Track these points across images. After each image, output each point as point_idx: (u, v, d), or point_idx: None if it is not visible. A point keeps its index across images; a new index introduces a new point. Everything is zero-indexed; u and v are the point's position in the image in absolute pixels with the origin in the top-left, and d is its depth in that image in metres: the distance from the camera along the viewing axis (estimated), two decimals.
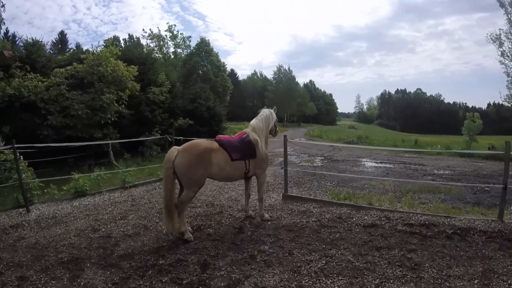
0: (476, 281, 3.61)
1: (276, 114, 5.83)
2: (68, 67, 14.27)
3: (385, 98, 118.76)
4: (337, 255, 4.27)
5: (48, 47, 26.58)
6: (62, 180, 8.46)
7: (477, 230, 5.09)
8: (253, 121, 5.48)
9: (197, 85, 25.83)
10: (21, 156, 7.62)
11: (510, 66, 24.07)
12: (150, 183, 9.15)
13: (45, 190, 7.97)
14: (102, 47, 16.69)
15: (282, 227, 5.28)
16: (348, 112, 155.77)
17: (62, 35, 44.28)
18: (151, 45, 35.95)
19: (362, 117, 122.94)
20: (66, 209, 6.83)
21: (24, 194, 6.92)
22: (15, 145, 6.82)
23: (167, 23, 60.40)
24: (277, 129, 5.90)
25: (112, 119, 14.38)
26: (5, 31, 29.43)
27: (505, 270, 3.85)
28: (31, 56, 15.15)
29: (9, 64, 13.95)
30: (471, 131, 34.51)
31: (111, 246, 4.76)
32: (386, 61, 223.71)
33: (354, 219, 5.59)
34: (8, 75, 13.55)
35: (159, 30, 37.83)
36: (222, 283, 3.62)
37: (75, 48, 38.97)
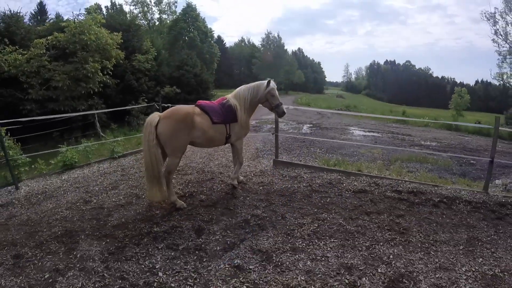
0: (461, 247, 3.78)
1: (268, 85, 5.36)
2: (49, 37, 13.50)
3: (373, 68, 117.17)
4: (328, 218, 4.40)
5: (26, 18, 25.24)
6: (50, 154, 8.21)
7: (462, 199, 5.24)
8: (238, 88, 5.38)
9: (183, 51, 25.13)
10: (9, 133, 7.33)
11: (502, 45, 24.43)
12: (139, 152, 8.97)
13: (33, 166, 7.66)
14: (84, 15, 15.95)
15: (274, 192, 5.35)
16: (336, 81, 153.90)
17: (41, 6, 41.65)
18: (135, 11, 34.48)
19: (350, 86, 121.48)
20: (55, 183, 6.70)
21: (12, 172, 6.64)
22: None
23: None
24: (280, 107, 5.37)
25: (96, 89, 13.97)
26: None
27: (489, 239, 4.02)
28: (10, 29, 14.45)
29: None
30: (458, 106, 35.20)
31: (104, 216, 4.73)
32: (377, 31, 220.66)
33: (344, 184, 5.71)
34: None
35: None
36: (218, 247, 3.72)
37: (55, 19, 37.17)
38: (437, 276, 3.26)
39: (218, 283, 3.11)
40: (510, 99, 29.55)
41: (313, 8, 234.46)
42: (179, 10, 36.99)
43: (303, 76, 78.86)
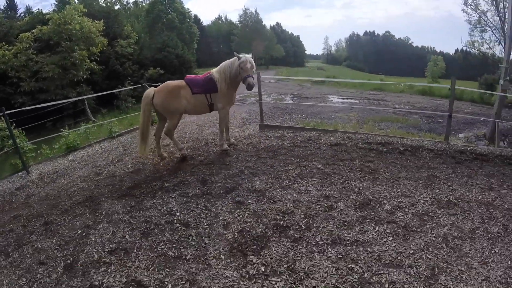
0: (420, 182, 4.64)
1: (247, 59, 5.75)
2: (33, 30, 13.92)
3: (353, 40, 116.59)
4: (309, 165, 5.25)
5: None
6: (50, 140, 8.77)
7: (425, 148, 6.09)
8: (222, 63, 6.14)
9: (163, 34, 25.37)
10: (14, 123, 7.84)
11: (472, 15, 25.31)
12: (134, 130, 9.37)
13: (38, 152, 8.15)
14: (55, 5, 16.19)
15: (262, 149, 6.18)
16: (317, 54, 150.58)
17: (11, 0, 40.68)
18: None
19: (330, 59, 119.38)
20: (63, 164, 7.24)
21: (22, 158, 7.16)
22: (5, 112, 6.69)
23: None
24: (248, 79, 5.61)
25: (85, 76, 14.43)
26: None
27: (446, 176, 4.87)
28: None
29: None
30: (434, 73, 36.57)
31: (118, 182, 5.42)
32: (355, 2, 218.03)
33: (322, 140, 6.56)
34: None
35: None
36: (221, 191, 4.55)
37: (25, 12, 36.49)
38: (398, 200, 4.12)
39: (225, 214, 3.94)
40: (489, 67, 30.67)
41: None
42: None
43: (282, 50, 78.56)
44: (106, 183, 5.48)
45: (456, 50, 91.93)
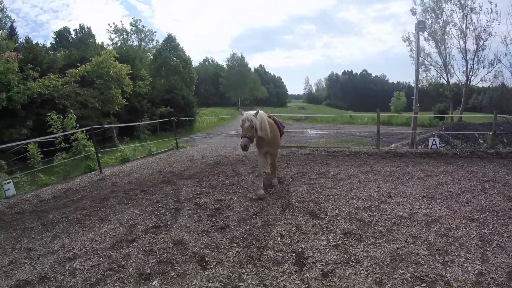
0: (354, 165, 8.67)
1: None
2: (79, 68, 17.66)
3: (332, 79, 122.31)
4: (291, 162, 9.31)
5: None
6: (106, 153, 12.34)
7: (363, 152, 10.28)
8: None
9: (171, 77, 29.56)
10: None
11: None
12: (163, 152, 12.74)
13: (102, 160, 10.94)
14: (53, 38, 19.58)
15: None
16: (298, 94, 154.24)
17: (12, 29, 43.90)
18: (116, 39, 38.38)
19: (311, 98, 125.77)
20: (125, 168, 9.91)
21: (99, 161, 9.94)
22: (93, 127, 10.30)
23: (132, 18, 62.88)
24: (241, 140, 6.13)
25: (117, 109, 18.22)
26: None
27: (371, 163, 8.91)
28: (37, 58, 18.02)
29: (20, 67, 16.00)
30: (396, 107, 42.51)
31: (179, 174, 8.69)
32: (334, 43, 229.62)
33: (299, 152, 10.69)
34: (23, 76, 15.93)
35: (122, 24, 41.03)
36: (246, 172, 8.44)
37: (24, 42, 39.62)
38: (339, 172, 8.07)
39: (251, 179, 7.79)
40: (441, 98, 36.59)
41: (270, 25, 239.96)
42: (156, 38, 41.67)
43: (266, 91, 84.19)
44: (170, 175, 8.62)
45: (430, 83, 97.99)
